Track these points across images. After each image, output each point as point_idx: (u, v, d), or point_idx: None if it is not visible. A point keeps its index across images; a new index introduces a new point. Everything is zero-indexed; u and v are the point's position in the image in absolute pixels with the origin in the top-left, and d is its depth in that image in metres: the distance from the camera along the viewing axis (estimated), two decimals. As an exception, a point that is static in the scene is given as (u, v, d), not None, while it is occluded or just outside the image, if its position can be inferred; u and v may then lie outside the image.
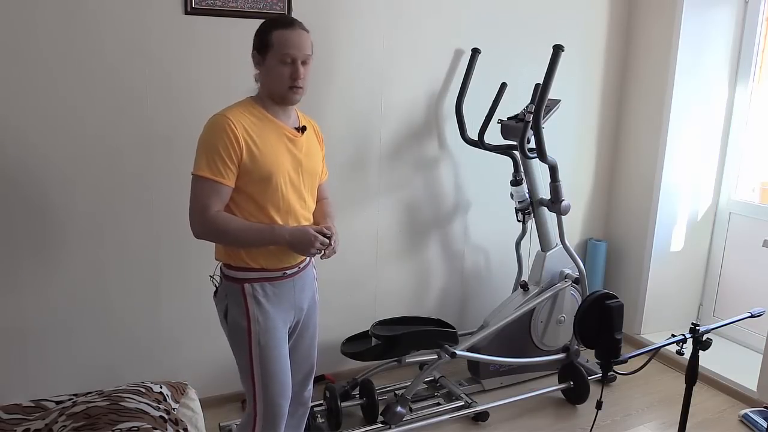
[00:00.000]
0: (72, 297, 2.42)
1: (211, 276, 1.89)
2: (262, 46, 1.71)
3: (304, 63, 1.72)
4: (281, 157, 1.74)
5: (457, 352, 2.60)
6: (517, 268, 3.18)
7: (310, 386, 2.05)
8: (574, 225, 3.57)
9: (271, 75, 1.71)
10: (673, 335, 1.76)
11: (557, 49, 2.50)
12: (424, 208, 3.10)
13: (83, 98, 2.30)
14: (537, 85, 2.71)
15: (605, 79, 3.45)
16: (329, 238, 1.76)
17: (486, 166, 3.15)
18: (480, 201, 3.23)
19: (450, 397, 2.82)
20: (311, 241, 1.72)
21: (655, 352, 1.80)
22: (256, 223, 1.73)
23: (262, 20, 1.76)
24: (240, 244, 1.74)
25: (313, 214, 1.92)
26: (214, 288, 1.88)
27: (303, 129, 1.82)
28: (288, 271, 1.81)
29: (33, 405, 1.74)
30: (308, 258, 1.89)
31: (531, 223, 2.99)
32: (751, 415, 2.73)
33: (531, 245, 3.10)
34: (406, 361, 2.78)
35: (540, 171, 2.82)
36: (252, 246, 1.75)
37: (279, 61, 1.69)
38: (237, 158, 1.67)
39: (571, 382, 2.87)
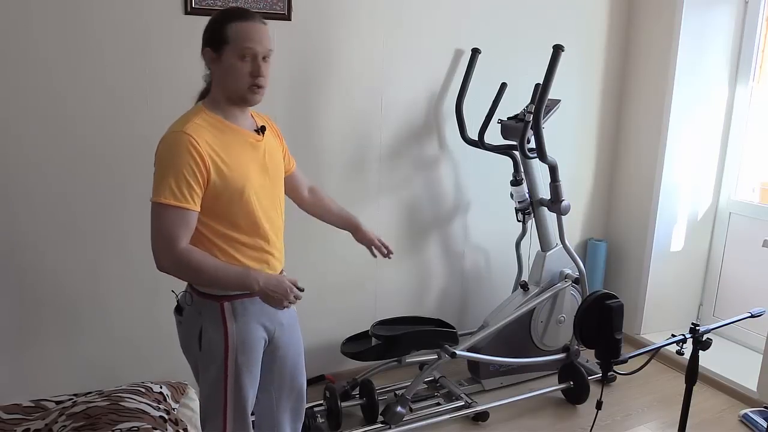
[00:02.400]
0: (72, 297, 2.42)
1: (176, 292, 1.73)
2: (216, 41, 1.52)
3: (264, 59, 1.55)
4: (249, 169, 1.58)
5: (457, 352, 2.60)
6: (517, 268, 3.18)
7: (302, 414, 1.89)
8: (574, 225, 3.57)
9: (229, 73, 1.53)
10: (673, 335, 1.76)
11: (557, 49, 2.50)
12: (424, 208, 3.10)
13: (83, 98, 2.29)
14: (537, 85, 2.70)
15: (605, 79, 3.45)
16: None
17: (486, 166, 3.15)
18: (480, 201, 3.23)
19: (450, 397, 2.82)
20: (287, 293, 1.56)
21: (655, 352, 1.80)
22: (231, 265, 1.57)
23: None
24: (210, 283, 1.58)
25: (325, 215, 1.90)
26: (177, 304, 1.73)
27: (263, 130, 1.66)
28: None
29: (33, 405, 1.74)
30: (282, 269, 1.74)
31: (531, 223, 2.99)
32: (751, 415, 2.73)
33: (531, 245, 3.10)
34: (406, 361, 2.78)
35: (540, 171, 2.82)
36: (222, 287, 1.59)
37: (238, 58, 1.51)
38: (203, 180, 1.49)
39: (571, 382, 2.87)
